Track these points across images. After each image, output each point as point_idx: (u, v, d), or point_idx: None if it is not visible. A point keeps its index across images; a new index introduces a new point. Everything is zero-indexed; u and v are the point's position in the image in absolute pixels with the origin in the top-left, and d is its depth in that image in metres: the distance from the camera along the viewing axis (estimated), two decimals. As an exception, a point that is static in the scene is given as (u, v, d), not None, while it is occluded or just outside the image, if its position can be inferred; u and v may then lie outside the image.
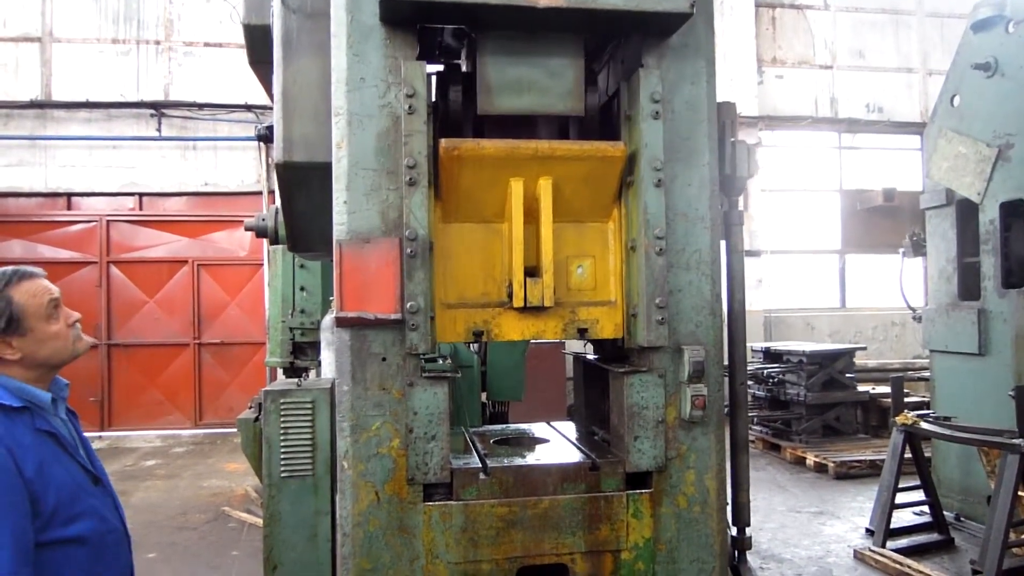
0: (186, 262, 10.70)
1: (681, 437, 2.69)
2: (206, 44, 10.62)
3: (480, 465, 2.65)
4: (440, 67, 2.92)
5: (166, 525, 6.15)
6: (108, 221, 10.60)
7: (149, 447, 9.74)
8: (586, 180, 2.64)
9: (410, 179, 2.47)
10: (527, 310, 2.62)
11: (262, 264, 10.20)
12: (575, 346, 4.60)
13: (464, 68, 2.97)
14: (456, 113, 2.73)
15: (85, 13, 10.45)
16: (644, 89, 2.60)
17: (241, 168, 10.63)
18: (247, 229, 4.23)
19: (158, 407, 10.60)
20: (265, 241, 5.64)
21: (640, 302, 2.60)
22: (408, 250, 2.45)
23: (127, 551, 2.02)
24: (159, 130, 10.41)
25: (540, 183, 2.59)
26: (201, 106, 10.46)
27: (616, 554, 2.63)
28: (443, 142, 2.49)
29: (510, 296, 2.60)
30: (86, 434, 2.04)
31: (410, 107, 2.47)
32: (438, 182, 2.58)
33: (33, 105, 10.20)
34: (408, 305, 2.45)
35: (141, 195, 10.65)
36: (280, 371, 6.93)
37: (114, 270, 10.61)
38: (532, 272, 2.61)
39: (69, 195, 10.53)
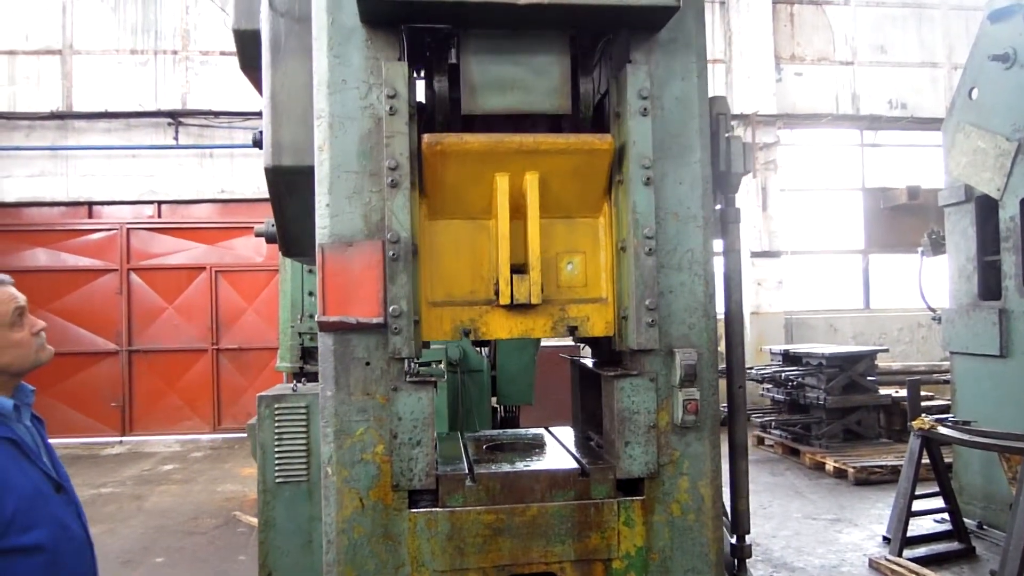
0: (204, 269, 10.84)
1: (674, 443, 2.61)
2: (222, 53, 10.76)
3: (467, 471, 2.60)
4: (427, 67, 2.87)
5: (176, 530, 6.19)
6: (128, 229, 10.79)
7: (168, 452, 9.84)
8: (574, 174, 2.57)
9: (392, 181, 2.43)
10: (515, 308, 2.56)
11: (279, 270, 10.29)
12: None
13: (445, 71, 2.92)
14: (444, 114, 2.69)
15: (104, 25, 10.65)
16: (632, 85, 2.53)
17: (257, 175, 10.69)
18: (257, 235, 4.21)
19: (177, 412, 10.73)
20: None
21: (630, 304, 2.53)
22: (391, 253, 2.41)
23: (90, 559, 2.00)
24: (176, 138, 10.57)
25: (526, 178, 2.53)
26: (217, 114, 10.61)
27: (607, 563, 2.55)
28: (426, 137, 2.46)
29: (497, 294, 2.54)
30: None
31: (391, 108, 2.44)
32: (423, 179, 2.54)
33: (54, 116, 10.41)
34: (391, 309, 2.41)
35: (160, 203, 10.83)
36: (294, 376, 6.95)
37: (134, 277, 10.78)
38: (520, 269, 2.55)
39: (90, 204, 10.75)
